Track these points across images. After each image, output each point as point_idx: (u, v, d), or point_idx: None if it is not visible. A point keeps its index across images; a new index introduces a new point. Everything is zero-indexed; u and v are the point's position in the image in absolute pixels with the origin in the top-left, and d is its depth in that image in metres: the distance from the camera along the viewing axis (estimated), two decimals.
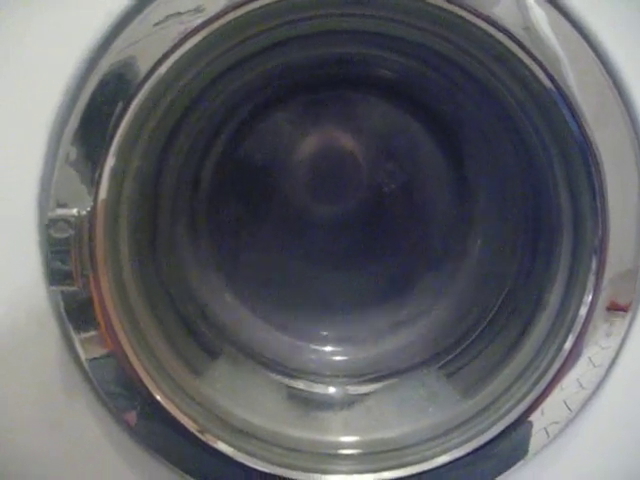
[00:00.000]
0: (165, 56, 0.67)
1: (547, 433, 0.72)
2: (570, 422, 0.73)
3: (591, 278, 0.70)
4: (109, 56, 0.67)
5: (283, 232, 1.01)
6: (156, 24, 0.67)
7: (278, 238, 1.01)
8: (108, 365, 0.71)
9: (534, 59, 0.67)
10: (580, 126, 0.68)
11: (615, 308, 0.70)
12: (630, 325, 0.71)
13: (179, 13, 0.66)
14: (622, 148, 0.69)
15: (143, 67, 0.67)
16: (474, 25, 0.68)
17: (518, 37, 0.67)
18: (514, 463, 0.73)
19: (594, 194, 0.69)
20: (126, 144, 0.68)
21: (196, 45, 0.67)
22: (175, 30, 0.67)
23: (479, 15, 0.67)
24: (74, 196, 0.68)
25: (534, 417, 0.72)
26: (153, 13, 0.67)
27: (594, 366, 0.71)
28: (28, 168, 0.69)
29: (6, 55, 0.68)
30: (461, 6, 0.67)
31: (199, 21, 0.66)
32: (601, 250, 0.69)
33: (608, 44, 0.68)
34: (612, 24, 0.68)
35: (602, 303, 0.70)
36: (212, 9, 0.66)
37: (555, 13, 0.67)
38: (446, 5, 0.68)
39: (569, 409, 0.72)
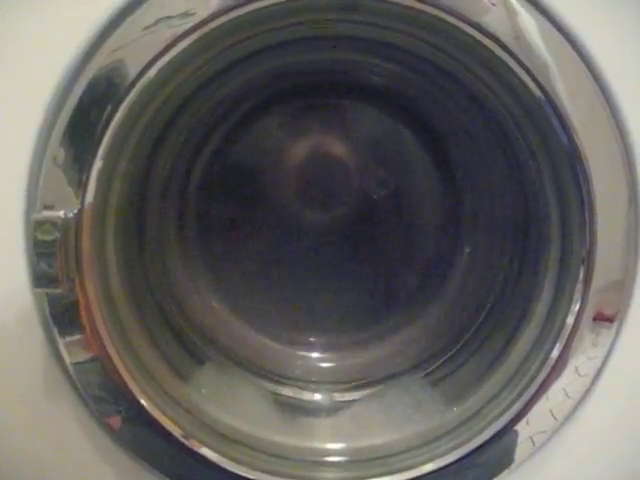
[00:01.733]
0: (154, 60, 0.67)
1: (533, 442, 0.72)
2: (556, 431, 0.72)
3: (579, 287, 0.70)
4: (98, 59, 0.67)
5: (272, 238, 1.00)
6: (146, 27, 0.66)
7: (267, 244, 1.00)
8: (93, 369, 0.70)
9: (523, 67, 0.67)
10: (569, 135, 0.68)
11: (602, 318, 0.70)
12: (616, 336, 0.71)
13: (169, 17, 0.66)
14: (611, 157, 0.69)
15: (132, 70, 0.67)
16: (464, 33, 0.68)
17: (508, 45, 0.67)
18: (500, 472, 0.73)
19: (582, 203, 0.69)
20: (114, 147, 0.68)
21: (186, 49, 0.67)
22: (165, 34, 0.66)
23: (469, 23, 0.67)
24: (61, 198, 0.67)
25: (520, 426, 0.71)
26: (143, 16, 0.67)
27: (580, 376, 0.71)
28: (15, 169, 0.69)
29: None
30: (451, 14, 0.67)
31: (189, 25, 0.66)
32: (589, 260, 0.69)
33: (597, 53, 0.68)
34: (601, 33, 0.68)
35: (589, 313, 0.70)
36: (202, 13, 0.66)
37: (545, 22, 0.67)
38: (436, 12, 0.67)
39: (555, 418, 0.71)
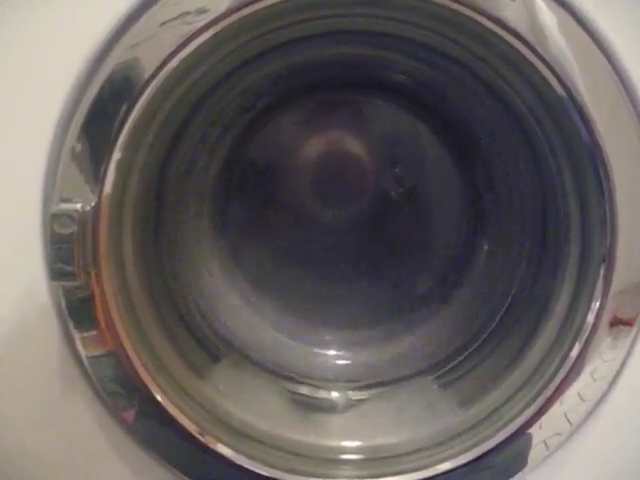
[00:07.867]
0: (171, 55, 0.67)
1: (546, 446, 0.71)
2: (570, 436, 0.71)
3: (599, 286, 0.69)
4: (115, 54, 0.67)
5: (288, 235, 1.00)
6: (163, 23, 0.67)
7: (283, 241, 1.00)
8: (108, 363, 0.71)
9: (544, 62, 0.66)
10: (590, 132, 0.67)
11: (620, 322, 0.69)
12: (635, 339, 0.70)
13: (184, 14, 0.66)
14: (633, 155, 0.67)
15: (149, 66, 0.67)
16: (484, 27, 0.67)
17: (528, 40, 0.66)
18: (512, 475, 0.72)
19: (603, 201, 0.68)
20: (131, 141, 0.69)
21: (201, 46, 0.67)
22: (182, 30, 0.66)
23: (489, 17, 0.66)
24: (78, 192, 0.68)
25: (534, 429, 0.70)
26: (160, 12, 0.67)
27: (595, 380, 0.69)
28: (33, 163, 0.69)
29: (13, 51, 0.69)
30: (471, 8, 0.66)
31: (205, 21, 0.66)
32: (609, 258, 0.68)
33: (620, 49, 0.66)
34: (624, 28, 0.67)
35: (607, 316, 0.69)
36: (216, 10, 0.66)
37: (566, 16, 0.66)
38: (456, 7, 0.67)
39: (570, 422, 0.70)
